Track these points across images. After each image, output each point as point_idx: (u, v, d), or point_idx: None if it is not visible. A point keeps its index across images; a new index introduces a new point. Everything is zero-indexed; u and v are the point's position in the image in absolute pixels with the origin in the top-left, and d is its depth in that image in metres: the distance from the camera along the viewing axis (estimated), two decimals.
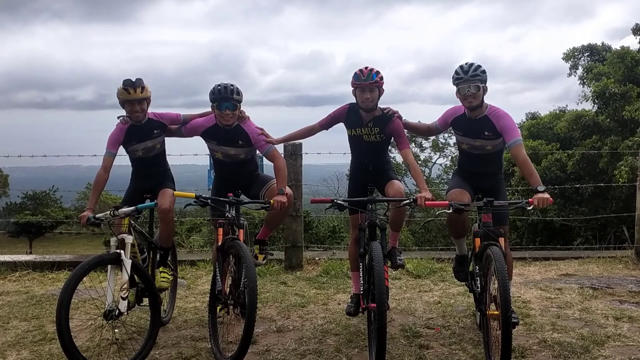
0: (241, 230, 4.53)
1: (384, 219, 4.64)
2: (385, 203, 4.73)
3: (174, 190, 4.99)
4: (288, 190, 4.90)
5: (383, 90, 4.73)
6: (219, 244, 4.45)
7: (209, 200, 4.59)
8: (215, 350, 4.21)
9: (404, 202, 4.51)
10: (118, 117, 4.94)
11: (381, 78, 4.65)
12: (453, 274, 5.17)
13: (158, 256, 5.06)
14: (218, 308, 4.38)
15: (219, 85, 4.80)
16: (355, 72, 4.67)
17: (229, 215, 4.53)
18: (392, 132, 4.85)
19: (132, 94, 4.73)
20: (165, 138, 5.11)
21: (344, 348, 4.46)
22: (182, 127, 5.07)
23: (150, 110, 4.94)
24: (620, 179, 14.66)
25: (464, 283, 5.14)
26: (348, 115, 4.87)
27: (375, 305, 3.88)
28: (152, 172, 5.08)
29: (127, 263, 4.21)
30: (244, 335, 3.92)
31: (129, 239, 4.33)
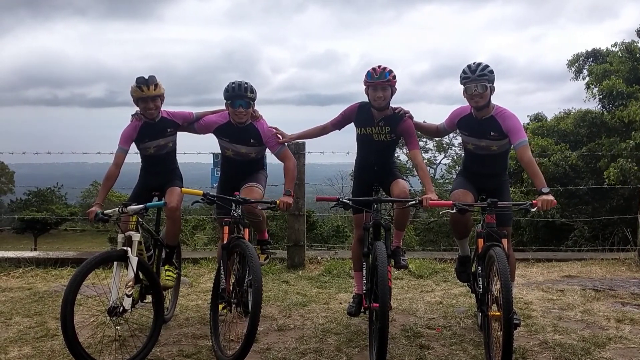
0: (246, 230, 4.55)
1: (388, 219, 4.64)
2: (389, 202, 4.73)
3: (182, 188, 5.00)
4: (258, 190, 4.96)
5: (395, 89, 4.73)
6: (225, 242, 4.45)
7: (215, 199, 4.60)
8: (216, 348, 4.22)
9: (410, 202, 4.51)
10: (132, 115, 4.96)
11: (394, 77, 4.65)
12: (455, 275, 5.17)
13: (164, 254, 5.07)
14: (220, 306, 4.39)
15: (233, 82, 4.82)
16: (368, 71, 4.67)
17: (235, 214, 4.53)
18: (403, 132, 4.83)
19: (146, 91, 4.74)
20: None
21: (344, 347, 4.46)
22: (194, 123, 5.08)
23: (161, 108, 4.95)
24: (608, 180, 14.69)
25: (466, 284, 5.14)
26: (358, 114, 4.86)
27: (377, 305, 3.88)
28: (161, 170, 5.09)
29: (134, 260, 4.21)
30: (247, 333, 3.92)
31: (137, 237, 4.33)
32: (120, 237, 4.34)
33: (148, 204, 4.55)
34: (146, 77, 4.75)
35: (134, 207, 4.38)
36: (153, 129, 4.93)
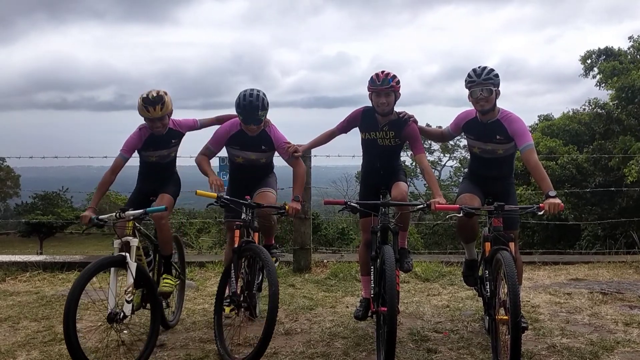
0: (256, 234, 4.53)
1: (395, 223, 4.63)
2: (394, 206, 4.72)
3: (177, 195, 5.01)
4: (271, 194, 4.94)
5: (399, 94, 4.72)
6: (236, 245, 4.42)
7: (228, 202, 4.57)
8: (222, 352, 4.21)
9: (418, 206, 4.49)
10: (140, 127, 4.88)
11: (397, 82, 4.64)
12: (462, 278, 5.15)
13: (162, 262, 5.04)
14: (228, 309, 4.39)
15: (244, 99, 4.70)
16: (372, 76, 4.67)
17: (246, 218, 4.52)
18: (408, 137, 4.84)
19: (152, 112, 4.65)
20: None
21: (351, 351, 4.46)
22: (210, 147, 5.01)
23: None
24: (630, 178, 14.58)
25: (472, 288, 5.13)
26: (363, 119, 4.87)
27: (385, 309, 3.87)
28: (159, 177, 5.06)
29: (133, 266, 4.18)
30: (262, 338, 3.93)
31: (134, 242, 4.30)
32: (116, 243, 4.30)
33: (148, 209, 4.50)
34: (152, 98, 4.63)
35: (132, 212, 4.35)
36: (159, 140, 4.90)
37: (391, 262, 4.01)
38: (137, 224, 4.44)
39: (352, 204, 4.44)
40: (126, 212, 4.31)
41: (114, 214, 4.30)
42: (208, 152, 5.07)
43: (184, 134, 5.01)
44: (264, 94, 4.74)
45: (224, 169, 6.88)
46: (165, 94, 4.69)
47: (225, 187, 5.32)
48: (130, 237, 4.30)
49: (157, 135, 4.85)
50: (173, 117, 4.93)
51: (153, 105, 4.62)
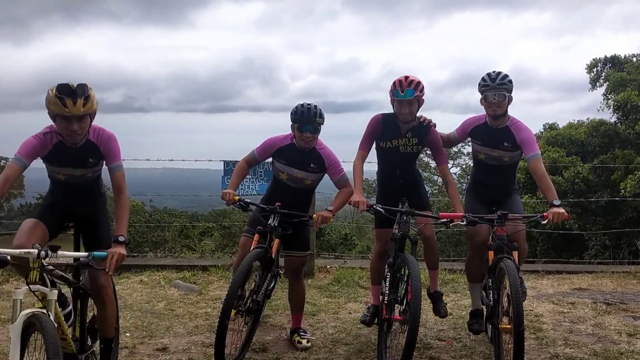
0: (277, 240, 4.44)
1: (415, 234, 4.59)
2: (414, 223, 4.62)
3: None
4: None
5: (423, 101, 4.55)
6: (252, 249, 4.35)
7: (247, 205, 4.52)
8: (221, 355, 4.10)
9: (440, 221, 4.40)
10: (45, 133, 3.54)
11: (422, 90, 4.46)
12: (467, 327, 4.86)
13: (97, 349, 3.83)
14: (233, 312, 4.37)
15: (302, 105, 4.54)
16: (394, 84, 4.45)
17: (272, 224, 4.44)
18: (430, 145, 4.74)
19: (70, 108, 3.27)
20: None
21: (354, 358, 4.45)
22: (256, 154, 4.75)
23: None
24: (623, 192, 14.58)
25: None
26: (384, 127, 4.66)
27: (399, 317, 3.88)
28: (77, 198, 3.75)
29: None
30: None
31: (53, 295, 3.07)
32: (20, 293, 2.94)
33: (95, 253, 3.20)
34: (73, 86, 3.29)
35: (70, 253, 3.21)
36: (69, 154, 3.57)
37: (416, 271, 3.96)
38: (43, 263, 3.01)
39: (377, 207, 4.39)
40: (59, 252, 3.04)
41: (35, 251, 2.96)
42: (251, 159, 4.79)
43: (104, 157, 3.63)
44: (320, 108, 4.58)
45: (229, 173, 6.90)
46: (91, 89, 3.40)
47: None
48: (48, 289, 3.06)
49: (69, 146, 3.53)
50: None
51: (73, 96, 3.27)
